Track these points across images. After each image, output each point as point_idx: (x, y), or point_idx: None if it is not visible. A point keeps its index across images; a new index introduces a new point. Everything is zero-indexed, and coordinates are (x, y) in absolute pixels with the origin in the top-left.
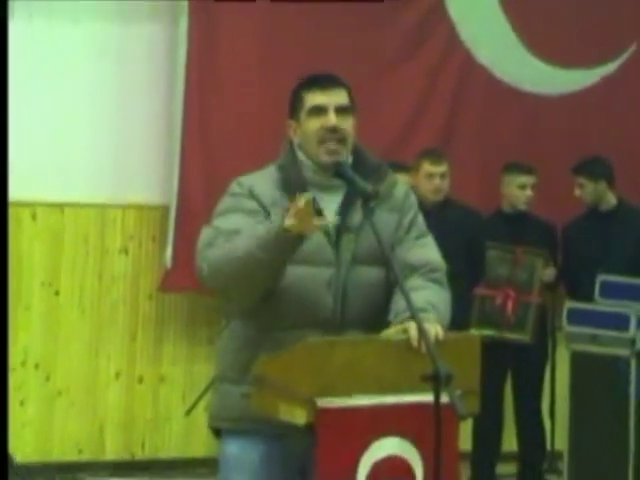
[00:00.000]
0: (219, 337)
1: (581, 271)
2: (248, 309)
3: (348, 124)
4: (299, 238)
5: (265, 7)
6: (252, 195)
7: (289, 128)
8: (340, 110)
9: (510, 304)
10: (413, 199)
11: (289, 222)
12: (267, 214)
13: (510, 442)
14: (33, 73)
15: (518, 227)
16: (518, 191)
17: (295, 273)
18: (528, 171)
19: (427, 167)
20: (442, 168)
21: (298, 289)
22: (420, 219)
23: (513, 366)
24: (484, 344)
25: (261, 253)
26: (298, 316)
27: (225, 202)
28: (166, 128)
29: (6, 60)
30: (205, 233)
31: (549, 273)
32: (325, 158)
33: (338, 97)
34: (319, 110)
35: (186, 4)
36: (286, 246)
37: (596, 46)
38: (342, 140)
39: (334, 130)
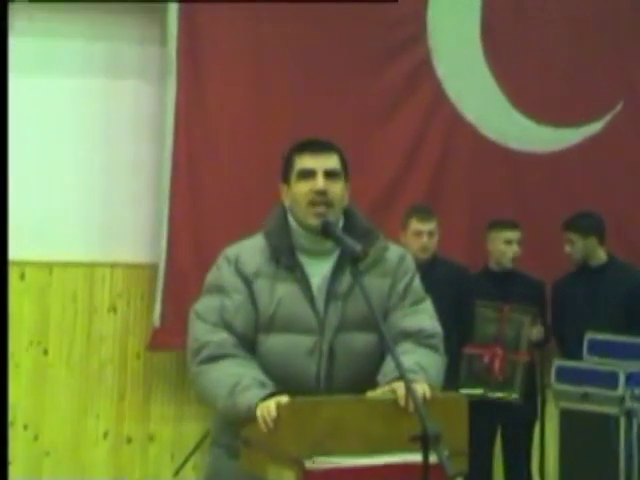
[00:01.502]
0: None
1: (571, 327)
2: None
3: (337, 188)
4: None
5: (253, 65)
6: (237, 269)
7: (281, 192)
8: (329, 174)
9: (498, 363)
10: (409, 263)
11: (259, 419)
12: (249, 288)
13: None
14: (19, 130)
15: (506, 285)
16: (504, 246)
17: (275, 341)
18: (513, 226)
19: (415, 224)
20: (430, 225)
21: (278, 357)
22: (417, 284)
23: (502, 424)
24: (473, 403)
25: (227, 412)
26: (281, 384)
27: (212, 276)
28: (154, 186)
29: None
30: (193, 330)
31: (537, 331)
32: (312, 221)
33: (328, 161)
34: (308, 174)
35: (174, 61)
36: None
37: (582, 105)
38: (330, 204)
39: (322, 194)
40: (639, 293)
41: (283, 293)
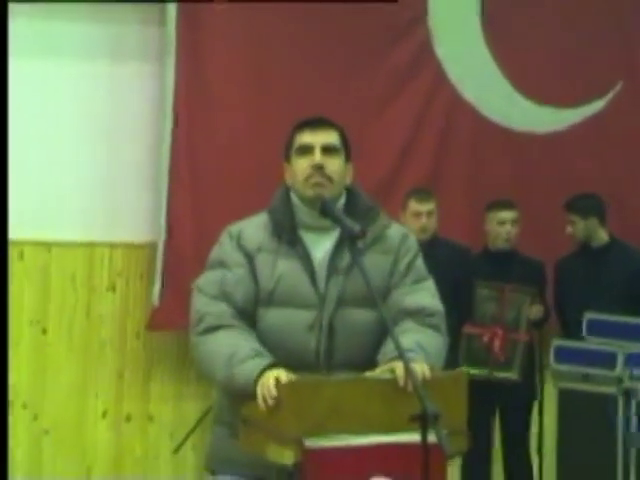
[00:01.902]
0: None
1: (573, 307)
2: None
3: (335, 164)
4: None
5: (254, 47)
6: (239, 244)
7: (284, 171)
8: (327, 149)
9: (498, 342)
10: (411, 242)
11: (259, 398)
12: (251, 263)
13: None
14: (20, 112)
15: (505, 265)
16: (498, 227)
17: (275, 316)
18: (508, 206)
19: (414, 205)
20: (429, 206)
21: (278, 332)
22: (419, 263)
23: (501, 404)
24: (472, 383)
25: (226, 384)
26: (280, 359)
27: (215, 252)
28: (154, 166)
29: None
30: (194, 303)
31: (536, 311)
32: (309, 192)
33: (326, 137)
34: (306, 149)
35: (173, 41)
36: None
37: (583, 84)
38: (328, 178)
39: (320, 168)
40: None
41: (284, 268)
